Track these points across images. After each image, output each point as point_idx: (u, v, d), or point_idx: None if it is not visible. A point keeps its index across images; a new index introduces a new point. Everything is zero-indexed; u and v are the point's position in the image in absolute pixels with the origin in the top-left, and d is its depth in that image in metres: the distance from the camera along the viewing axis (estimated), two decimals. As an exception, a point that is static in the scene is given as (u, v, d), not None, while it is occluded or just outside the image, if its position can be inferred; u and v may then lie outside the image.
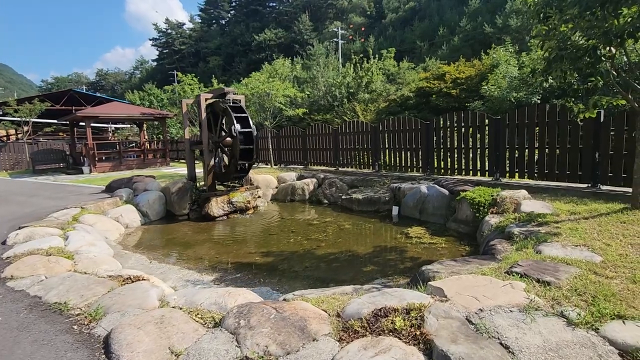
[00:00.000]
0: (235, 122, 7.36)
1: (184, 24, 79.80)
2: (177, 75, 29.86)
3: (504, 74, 16.12)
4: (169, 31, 75.63)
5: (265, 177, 10.27)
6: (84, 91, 19.43)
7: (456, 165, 7.97)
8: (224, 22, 78.91)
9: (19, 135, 18.45)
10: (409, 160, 8.99)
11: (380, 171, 9.70)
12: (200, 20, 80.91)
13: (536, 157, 6.73)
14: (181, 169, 13.63)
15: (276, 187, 10.15)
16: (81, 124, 16.07)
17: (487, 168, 7.44)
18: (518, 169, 6.94)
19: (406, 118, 8.92)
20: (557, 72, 4.09)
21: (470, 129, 7.60)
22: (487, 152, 7.40)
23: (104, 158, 14.43)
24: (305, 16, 64.91)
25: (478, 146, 7.53)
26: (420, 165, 8.74)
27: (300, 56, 38.41)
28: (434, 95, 19.66)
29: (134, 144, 16.66)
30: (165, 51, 74.86)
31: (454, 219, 6.25)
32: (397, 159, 9.27)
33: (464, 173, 7.85)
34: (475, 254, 4.69)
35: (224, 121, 8.23)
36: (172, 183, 8.23)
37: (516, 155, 6.97)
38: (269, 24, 67.47)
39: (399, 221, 7.07)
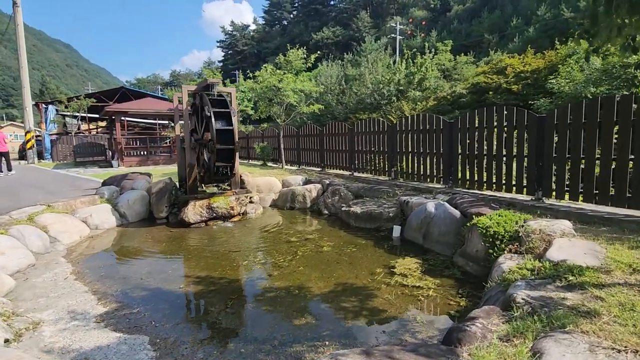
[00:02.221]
0: (213, 118, 6.43)
1: (248, 26, 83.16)
2: (238, 75, 30.60)
3: (581, 64, 13.11)
4: (234, 33, 79.25)
5: (268, 180, 9.26)
6: (136, 89, 20.60)
7: (485, 178, 6.11)
8: (285, 23, 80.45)
9: (75, 130, 20.04)
10: (428, 168, 7.27)
11: (397, 179, 8.10)
12: (263, 22, 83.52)
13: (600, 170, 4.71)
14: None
15: (279, 192, 9.08)
16: (124, 118, 16.71)
17: (525, 183, 5.51)
18: (570, 188, 4.95)
19: (426, 115, 7.21)
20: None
21: (505, 129, 5.72)
22: (526, 161, 5.48)
23: (132, 153, 14.74)
24: (365, 13, 63.20)
25: (514, 153, 5.63)
26: (441, 175, 6.98)
27: (352, 53, 36.99)
28: (490, 92, 17.02)
29: (168, 140, 16.96)
30: (229, 52, 78.63)
31: (461, 253, 4.57)
32: (416, 165, 7.59)
33: (494, 188, 5.98)
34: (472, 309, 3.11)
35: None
36: (155, 183, 7.62)
37: (568, 168, 5.01)
38: (328, 22, 66.98)
39: (398, 245, 5.53)
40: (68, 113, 18.23)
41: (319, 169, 11.10)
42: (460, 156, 6.55)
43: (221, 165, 6.67)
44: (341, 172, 10.12)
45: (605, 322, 2.12)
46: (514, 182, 5.68)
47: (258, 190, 8.97)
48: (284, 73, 10.25)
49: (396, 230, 5.97)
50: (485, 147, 6.06)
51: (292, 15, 79.39)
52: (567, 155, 4.94)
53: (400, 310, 3.44)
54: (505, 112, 5.68)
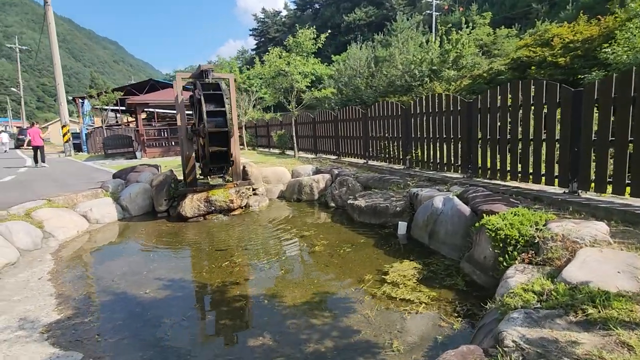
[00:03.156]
0: (203, 100, 6.03)
1: (279, 12, 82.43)
2: (255, 61, 30.35)
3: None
4: (266, 20, 78.99)
5: (277, 170, 8.83)
6: (165, 81, 21.04)
7: (508, 167, 5.21)
8: (317, 7, 78.68)
9: (105, 123, 20.90)
10: (445, 155, 6.42)
11: (412, 168, 7.32)
12: (295, 7, 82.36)
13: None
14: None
15: (287, 183, 8.63)
16: (152, 110, 17.03)
17: (556, 173, 4.58)
18: (614, 178, 3.99)
19: (442, 96, 6.31)
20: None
21: (533, 108, 4.76)
22: (558, 146, 4.53)
23: (155, 144, 14.98)
24: (399, -11, 59.88)
25: (544, 137, 4.68)
26: (459, 163, 6.12)
27: (383, 33, 35.23)
28: (533, 67, 15.21)
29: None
30: (262, 40, 78.62)
31: (468, 258, 3.83)
32: (432, 153, 6.75)
33: (520, 178, 5.07)
34: (466, 340, 2.48)
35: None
36: (156, 175, 7.46)
37: (612, 154, 4.04)
38: (360, 3, 64.43)
39: (402, 245, 4.88)
40: (99, 106, 19.02)
41: (335, 157, 10.51)
42: (480, 141, 5.66)
43: (215, 150, 6.30)
44: (356, 160, 9.46)
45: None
46: (543, 172, 4.75)
47: (266, 181, 8.59)
48: (291, 56, 9.60)
49: (401, 227, 5.29)
50: (508, 130, 5.14)
51: (323, -1, 77.40)
52: (610, 139, 3.96)
53: (376, 332, 2.85)
54: (532, 87, 4.71)
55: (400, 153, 7.61)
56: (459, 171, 6.17)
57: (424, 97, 6.74)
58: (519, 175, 5.06)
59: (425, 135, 6.82)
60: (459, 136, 6.00)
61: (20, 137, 28.05)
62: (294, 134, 11.19)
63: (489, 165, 5.54)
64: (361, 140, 9.08)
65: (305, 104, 10.85)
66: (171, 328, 3.07)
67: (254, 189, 7.76)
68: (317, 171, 8.69)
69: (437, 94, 6.42)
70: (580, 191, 4.33)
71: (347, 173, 7.68)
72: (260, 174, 8.16)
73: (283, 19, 79.40)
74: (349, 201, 6.48)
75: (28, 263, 4.64)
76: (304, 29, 9.99)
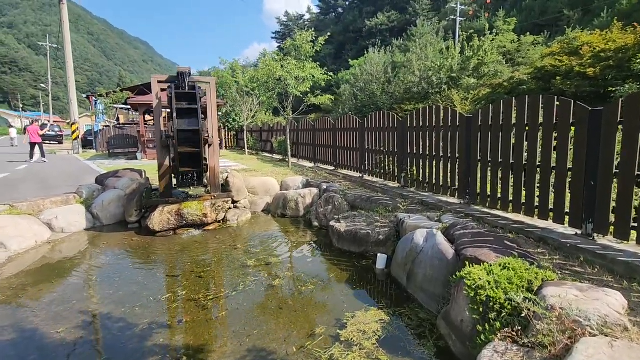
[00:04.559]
0: (174, 114, 5.52)
1: (303, 15, 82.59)
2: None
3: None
4: (289, 24, 79.25)
5: (265, 181, 8.24)
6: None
7: (511, 196, 4.39)
8: (341, 10, 78.28)
9: (114, 122, 21.00)
10: (441, 176, 5.63)
11: (407, 188, 6.56)
12: (318, 11, 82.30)
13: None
14: (226, 162, 12.73)
15: (274, 195, 8.01)
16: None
17: (568, 209, 3.74)
18: (640, 223, 3.14)
19: (440, 108, 5.53)
20: None
21: (541, 128, 3.94)
22: (570, 176, 3.70)
23: (151, 145, 14.71)
24: (424, -6, 58.63)
25: (553, 164, 3.86)
26: (457, 186, 5.32)
27: (402, 38, 34.31)
28: (558, 78, 14.02)
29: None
30: (284, 43, 78.92)
31: (445, 315, 3.07)
32: (428, 172, 5.98)
33: (523, 211, 4.24)
34: None
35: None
36: (130, 183, 7.00)
37: (637, 193, 3.20)
38: (384, 7, 63.48)
39: (375, 285, 4.16)
40: (110, 105, 19.15)
41: (332, 169, 9.83)
42: (479, 163, 4.85)
43: (185, 151, 5.77)
44: (351, 173, 8.75)
45: None
46: (551, 206, 3.92)
47: (253, 192, 8.01)
48: (286, 59, 9.01)
49: (380, 261, 4.55)
50: (512, 153, 4.33)
51: (347, 2, 76.92)
52: (638, 172, 3.13)
53: None
54: (540, 104, 3.90)
55: (396, 170, 6.86)
56: (456, 196, 5.37)
57: (420, 108, 5.97)
58: (523, 207, 4.23)
59: (421, 152, 6.06)
60: (457, 155, 5.21)
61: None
62: (288, 142, 10.58)
63: (489, 191, 4.74)
64: (358, 152, 8.37)
65: (302, 110, 10.23)
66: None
67: (234, 202, 7.19)
68: (307, 184, 8.04)
69: (435, 106, 5.66)
70: (596, 235, 3.49)
71: (336, 189, 6.98)
72: (243, 185, 7.58)
73: (305, 23, 79.40)
74: (330, 222, 5.78)
75: (-42, 281, 4.21)
76: (302, 31, 9.40)
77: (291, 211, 7.25)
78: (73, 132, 17.06)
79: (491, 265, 2.87)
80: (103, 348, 3.04)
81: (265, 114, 22.59)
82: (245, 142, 15.82)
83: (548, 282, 2.59)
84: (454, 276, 3.05)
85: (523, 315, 2.31)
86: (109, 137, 17.27)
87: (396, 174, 6.86)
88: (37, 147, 12.79)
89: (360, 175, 8.22)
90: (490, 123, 4.59)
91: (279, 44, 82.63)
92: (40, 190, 7.96)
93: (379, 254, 4.61)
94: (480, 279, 2.71)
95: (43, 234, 5.83)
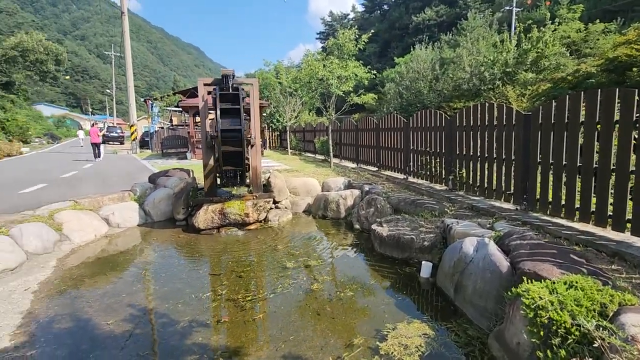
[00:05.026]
0: (218, 114, 5.65)
1: (347, 14, 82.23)
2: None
3: None
4: (333, 23, 79.31)
5: (306, 182, 8.22)
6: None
7: (577, 203, 3.90)
8: (386, 7, 76.85)
9: (167, 124, 22.32)
10: (494, 179, 5.19)
11: (455, 191, 6.16)
12: (363, 9, 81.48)
13: None
14: (269, 162, 13.00)
15: (315, 196, 7.95)
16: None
17: (650, 220, 3.22)
18: None
19: (493, 105, 5.09)
20: None
21: (617, 127, 3.44)
22: (654, 183, 3.17)
23: (200, 146, 15.39)
24: (475, -15, 55.58)
25: (633, 167, 3.35)
26: (512, 190, 4.87)
27: (451, 33, 32.78)
28: (635, 69, 12.48)
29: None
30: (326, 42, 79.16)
31: (497, 335, 2.77)
32: (479, 175, 5.55)
33: (593, 220, 3.75)
34: None
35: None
36: (178, 182, 7.32)
37: None
38: (431, 2, 61.19)
39: (420, 294, 3.91)
40: (164, 107, 20.47)
41: (375, 169, 9.58)
42: (539, 166, 4.39)
43: (228, 150, 5.89)
44: (395, 175, 8.45)
45: None
46: (629, 216, 3.41)
47: (294, 192, 8.03)
48: (328, 59, 8.89)
49: (425, 269, 4.28)
50: (579, 154, 3.84)
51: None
52: None
53: None
54: (617, 98, 3.40)
55: (443, 172, 6.47)
56: (511, 201, 4.91)
57: (471, 106, 5.56)
58: (593, 215, 3.74)
59: (471, 153, 5.64)
60: (513, 157, 4.76)
61: (107, 133, 31.67)
62: (330, 142, 10.47)
63: (550, 197, 4.26)
64: (402, 153, 8.05)
65: (344, 110, 10.07)
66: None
67: (275, 202, 7.24)
68: (349, 185, 7.88)
69: (487, 104, 5.22)
70: (688, 252, 2.95)
71: (378, 191, 6.76)
72: (285, 186, 7.61)
73: (350, 22, 78.97)
74: (372, 226, 5.58)
75: (28, 269, 4.63)
76: (345, 30, 9.23)
77: (332, 213, 7.14)
78: (132, 134, 18.45)
79: (554, 283, 2.53)
80: (146, 343, 3.14)
81: (309, 114, 22.78)
82: (288, 142, 16.02)
83: (627, 307, 2.21)
84: (509, 292, 2.74)
85: (595, 345, 1.98)
86: (162, 138, 18.49)
87: (443, 176, 6.48)
88: (96, 147, 14.21)
89: (405, 176, 7.90)
90: (553, 121, 4.12)
91: (322, 44, 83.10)
92: (101, 187, 8.63)
93: (423, 262, 4.34)
94: (541, 297, 2.39)
95: (101, 229, 6.28)
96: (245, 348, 3.00)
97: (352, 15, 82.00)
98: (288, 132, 16.10)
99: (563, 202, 4.07)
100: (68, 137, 50.28)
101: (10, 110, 32.17)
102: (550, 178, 4.24)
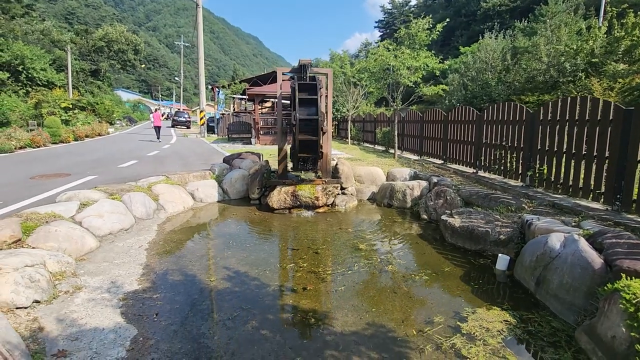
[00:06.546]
0: (296, 105, 6.00)
1: (409, 1, 79.23)
2: (366, 54, 30.01)
3: None
4: (393, 11, 77.09)
5: (371, 170, 8.38)
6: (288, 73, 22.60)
7: (683, 205, 3.63)
8: (451, -7, 72.68)
9: (232, 110, 23.56)
10: (581, 177, 4.94)
11: (533, 187, 5.96)
12: (426, -4, 77.96)
13: None
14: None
15: (380, 185, 8.10)
16: (274, 100, 18.47)
17: None
18: None
19: (585, 99, 4.81)
20: None
21: None
22: None
23: (269, 132, 16.11)
24: (557, -34, 50.34)
25: None
26: (603, 190, 4.61)
27: (527, 20, 30.30)
28: None
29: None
30: (386, 32, 77.15)
31: (588, 328, 2.77)
32: (563, 171, 5.31)
33: (701, 225, 3.48)
34: None
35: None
36: (254, 164, 7.88)
37: None
38: (503, -15, 56.53)
39: (497, 285, 3.95)
40: (230, 95, 21.72)
41: (440, 162, 9.45)
42: None
43: (305, 138, 6.25)
44: (463, 168, 8.29)
45: None
46: None
47: (359, 180, 8.25)
48: (399, 49, 8.82)
49: (502, 262, 4.28)
50: (691, 154, 3.56)
51: (459, -16, 70.85)
52: None
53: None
54: None
55: (520, 167, 6.26)
56: (601, 200, 4.67)
57: (560, 99, 5.29)
58: (702, 220, 3.47)
59: (555, 149, 5.39)
60: (607, 154, 4.50)
61: (175, 118, 34.36)
62: (395, 133, 10.46)
63: (650, 198, 4.00)
64: (472, 146, 7.86)
65: (412, 100, 9.97)
66: (215, 325, 3.07)
67: (342, 188, 7.52)
68: (415, 176, 7.91)
69: (578, 97, 4.94)
70: None
71: (448, 183, 6.72)
72: (351, 173, 7.85)
73: (412, 9, 76.08)
74: (442, 217, 5.63)
75: (138, 231, 5.41)
76: (418, 19, 9.08)
77: (397, 202, 7.25)
78: (200, 119, 19.90)
79: (659, 281, 2.48)
80: (245, 299, 3.59)
81: (367, 105, 22.73)
82: (348, 131, 16.21)
83: None
84: (604, 288, 2.72)
85: None
86: (229, 123, 19.73)
87: (520, 172, 6.26)
88: (159, 130, 16.29)
89: (474, 170, 7.73)
90: (660, 117, 3.84)
91: (381, 33, 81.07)
92: (183, 166, 9.56)
93: (499, 255, 4.34)
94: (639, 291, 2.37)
95: (188, 202, 7.04)
96: (332, 313, 3.32)
97: (413, 2, 78.94)
98: (349, 122, 16.28)
99: (665, 204, 3.81)
100: (141, 120, 55.27)
101: (98, 95, 36.13)
102: (651, 178, 3.97)
